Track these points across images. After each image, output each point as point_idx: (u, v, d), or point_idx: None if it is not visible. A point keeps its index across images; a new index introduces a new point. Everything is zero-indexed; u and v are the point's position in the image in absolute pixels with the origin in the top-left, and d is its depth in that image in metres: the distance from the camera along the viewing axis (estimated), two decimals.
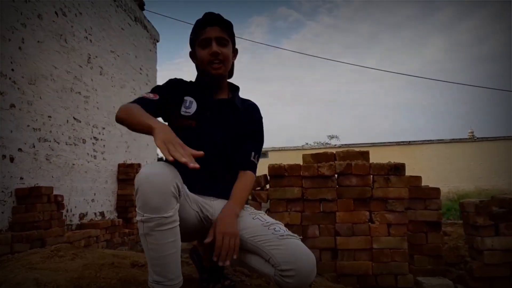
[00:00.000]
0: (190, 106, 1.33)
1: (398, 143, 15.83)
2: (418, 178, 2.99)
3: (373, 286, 2.65)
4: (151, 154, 7.71)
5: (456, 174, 14.18)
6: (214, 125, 1.33)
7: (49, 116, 4.46)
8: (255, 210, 1.30)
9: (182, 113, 1.32)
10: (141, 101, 1.24)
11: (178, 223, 1.04)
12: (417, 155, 15.07)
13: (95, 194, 5.48)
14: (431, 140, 15.46)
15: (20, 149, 3.95)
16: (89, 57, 5.42)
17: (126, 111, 1.18)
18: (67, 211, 4.73)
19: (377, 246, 2.69)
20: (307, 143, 19.22)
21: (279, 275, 1.09)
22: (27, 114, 4.07)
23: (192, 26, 1.38)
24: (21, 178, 3.95)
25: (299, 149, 17.16)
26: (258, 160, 1.41)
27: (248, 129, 1.40)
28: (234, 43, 1.40)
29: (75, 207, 4.99)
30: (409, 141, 15.77)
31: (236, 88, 1.45)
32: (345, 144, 17.08)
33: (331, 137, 26.47)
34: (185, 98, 1.34)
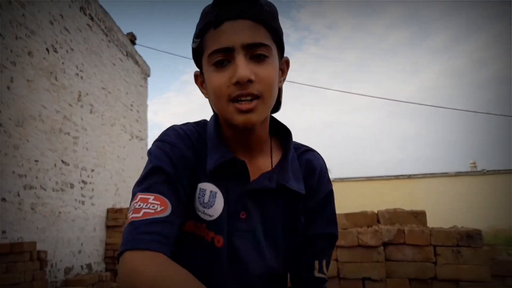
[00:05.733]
0: (212, 201, 0.74)
1: (397, 177, 15.59)
2: (494, 248, 2.45)
3: None
4: None
5: (467, 212, 12.94)
6: (256, 241, 0.75)
7: (36, 160, 4.24)
8: None
9: (199, 213, 0.74)
10: (151, 234, 0.62)
11: None
12: (418, 189, 14.73)
13: (82, 244, 5.15)
14: (433, 173, 14.73)
15: (3, 199, 3.69)
16: (80, 95, 5.29)
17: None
18: (51, 266, 4.41)
19: None
20: None
21: None
22: (13, 159, 3.86)
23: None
24: (3, 232, 3.67)
25: None
26: (328, 267, 0.84)
27: (312, 218, 0.81)
28: (282, 49, 0.76)
29: (60, 261, 4.65)
30: (409, 175, 15.44)
31: (286, 133, 0.81)
32: (338, 178, 16.58)
33: None
34: (200, 186, 0.75)
